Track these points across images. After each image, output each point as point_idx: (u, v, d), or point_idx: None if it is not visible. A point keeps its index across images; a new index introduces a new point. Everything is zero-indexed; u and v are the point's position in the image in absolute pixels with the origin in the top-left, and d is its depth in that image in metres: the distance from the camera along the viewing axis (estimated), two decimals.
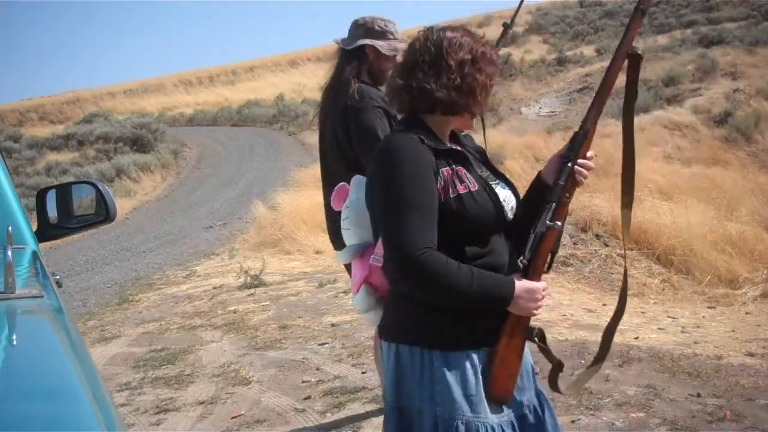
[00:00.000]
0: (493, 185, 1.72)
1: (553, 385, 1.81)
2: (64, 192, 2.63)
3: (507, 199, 1.72)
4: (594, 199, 7.33)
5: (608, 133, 11.92)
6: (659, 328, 4.89)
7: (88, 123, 25.07)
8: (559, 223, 1.68)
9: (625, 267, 2.00)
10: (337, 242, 2.76)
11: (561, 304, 5.47)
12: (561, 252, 6.43)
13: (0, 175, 2.28)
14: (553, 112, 19.34)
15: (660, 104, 15.47)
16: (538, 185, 1.80)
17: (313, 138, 20.33)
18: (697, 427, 3.02)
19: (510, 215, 1.71)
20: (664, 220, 6.80)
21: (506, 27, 3.32)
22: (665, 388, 3.46)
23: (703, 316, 5.37)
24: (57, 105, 39.62)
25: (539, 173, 1.83)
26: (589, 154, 1.75)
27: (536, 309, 1.65)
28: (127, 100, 39.52)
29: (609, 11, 35.30)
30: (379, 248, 1.63)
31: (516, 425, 1.69)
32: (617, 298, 1.86)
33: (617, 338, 4.41)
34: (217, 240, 10.24)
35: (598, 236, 6.70)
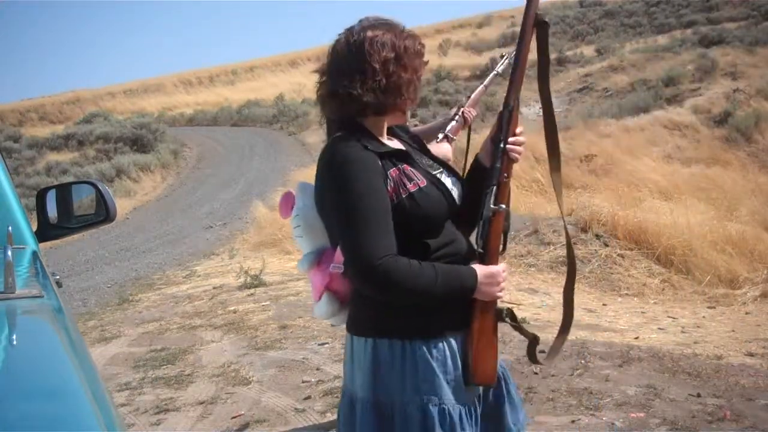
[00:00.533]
0: (438, 175, 1.74)
1: (532, 358, 1.86)
2: (64, 192, 2.63)
3: (453, 186, 1.75)
4: (594, 199, 7.33)
5: (608, 133, 11.93)
6: (659, 328, 4.89)
7: (88, 123, 25.07)
8: (504, 205, 1.71)
9: (567, 237, 2.00)
10: None
11: (561, 304, 5.46)
12: (561, 252, 6.44)
13: (0, 175, 2.28)
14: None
15: (660, 104, 15.46)
16: (477, 168, 1.81)
17: (313, 138, 20.34)
18: (697, 427, 3.02)
19: (458, 201, 1.74)
20: (664, 220, 6.80)
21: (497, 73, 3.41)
22: (665, 388, 3.46)
23: (703, 316, 5.38)
24: (57, 105, 39.60)
25: (476, 156, 1.85)
26: (518, 130, 1.76)
27: (499, 292, 1.68)
28: (127, 100, 39.51)
29: (609, 11, 35.33)
30: (339, 256, 1.62)
31: (478, 404, 1.72)
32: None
33: (617, 338, 4.44)
34: (217, 240, 10.24)
35: (598, 236, 6.70)
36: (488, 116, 18.54)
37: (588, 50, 26.27)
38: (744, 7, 27.37)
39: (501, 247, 1.72)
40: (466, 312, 1.67)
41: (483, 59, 27.50)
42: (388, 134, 1.76)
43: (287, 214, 1.81)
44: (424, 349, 1.62)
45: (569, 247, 1.97)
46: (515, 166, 1.81)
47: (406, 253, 1.58)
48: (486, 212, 1.69)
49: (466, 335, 1.67)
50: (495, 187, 1.70)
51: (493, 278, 1.66)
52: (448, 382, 1.63)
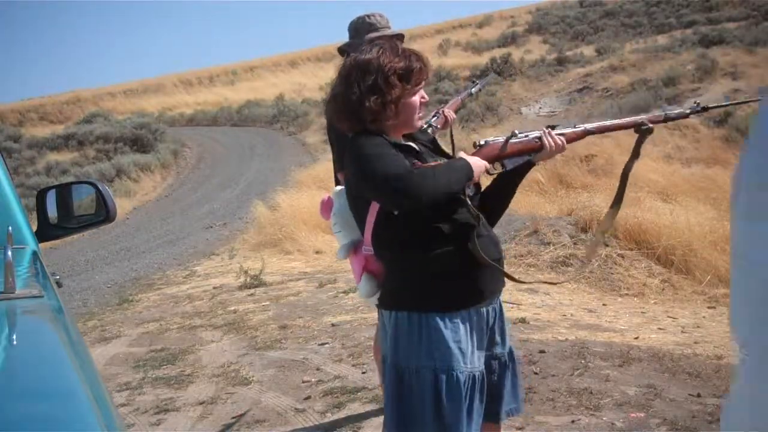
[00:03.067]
0: None
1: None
2: (64, 192, 2.63)
3: None
4: (594, 199, 7.33)
5: (608, 132, 11.90)
6: (659, 328, 4.89)
7: (88, 123, 25.05)
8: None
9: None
10: None
11: (561, 304, 5.47)
12: (561, 252, 6.44)
13: (0, 175, 2.28)
14: (553, 112, 19.34)
15: (660, 104, 15.46)
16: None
17: (313, 138, 20.34)
18: (697, 427, 3.02)
19: (469, 191, 1.94)
20: (664, 220, 6.79)
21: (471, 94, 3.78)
22: (665, 388, 3.46)
23: (703, 316, 5.37)
24: (57, 105, 39.58)
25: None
26: None
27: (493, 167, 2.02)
28: (127, 100, 39.49)
29: (609, 11, 35.31)
30: (367, 239, 1.92)
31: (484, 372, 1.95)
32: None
33: (617, 338, 4.44)
34: (217, 240, 10.23)
35: None
36: (488, 116, 18.55)
37: (588, 50, 26.25)
38: (744, 7, 27.35)
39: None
40: (476, 291, 1.91)
41: (483, 59, 27.48)
42: (407, 137, 2.01)
43: (327, 215, 2.11)
44: (438, 320, 1.86)
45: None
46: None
47: (417, 235, 1.86)
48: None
49: (481, 310, 1.93)
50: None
51: (476, 160, 1.95)
52: (460, 351, 1.86)
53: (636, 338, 4.50)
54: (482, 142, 2.03)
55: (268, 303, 6.06)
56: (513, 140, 2.02)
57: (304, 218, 8.65)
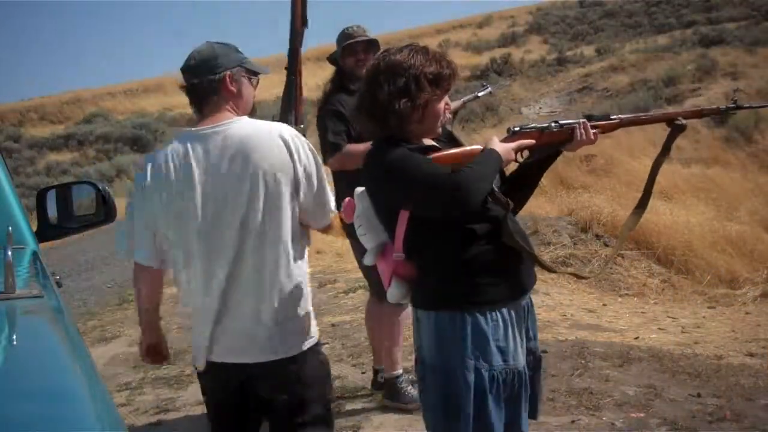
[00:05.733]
0: None
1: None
2: (64, 192, 2.63)
3: None
4: (594, 199, 7.33)
5: (609, 133, 11.90)
6: (659, 328, 4.89)
7: (88, 123, 25.09)
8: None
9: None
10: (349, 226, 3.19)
11: (561, 304, 5.47)
12: (561, 252, 6.44)
13: (0, 175, 2.28)
14: (553, 112, 19.34)
15: (660, 104, 15.45)
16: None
17: (313, 138, 20.28)
18: (697, 427, 3.02)
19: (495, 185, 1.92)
20: (664, 220, 6.79)
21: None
22: (665, 388, 3.46)
23: (703, 316, 5.37)
24: (57, 105, 39.55)
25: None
26: None
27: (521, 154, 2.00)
28: (127, 100, 39.48)
29: (609, 11, 35.30)
30: (398, 245, 1.90)
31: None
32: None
33: (617, 338, 4.44)
34: None
35: (598, 236, 6.70)
36: (488, 115, 18.55)
37: (588, 50, 26.26)
38: (744, 7, 27.35)
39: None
40: (510, 288, 1.90)
41: (483, 59, 27.49)
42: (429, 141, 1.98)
43: (351, 218, 2.06)
44: (479, 318, 1.85)
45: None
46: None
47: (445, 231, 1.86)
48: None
49: (518, 306, 1.92)
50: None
51: (505, 147, 1.93)
52: (499, 349, 1.86)
53: (636, 338, 4.50)
54: (516, 129, 2.00)
55: None
56: (547, 131, 2.00)
57: None
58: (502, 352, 1.86)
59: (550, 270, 2.24)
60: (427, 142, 1.95)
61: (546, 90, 21.88)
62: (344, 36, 3.35)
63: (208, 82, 2.05)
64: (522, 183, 2.06)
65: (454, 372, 1.85)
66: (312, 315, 2.18)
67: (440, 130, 1.96)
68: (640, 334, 4.63)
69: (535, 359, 2.01)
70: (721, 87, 15.89)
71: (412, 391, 3.31)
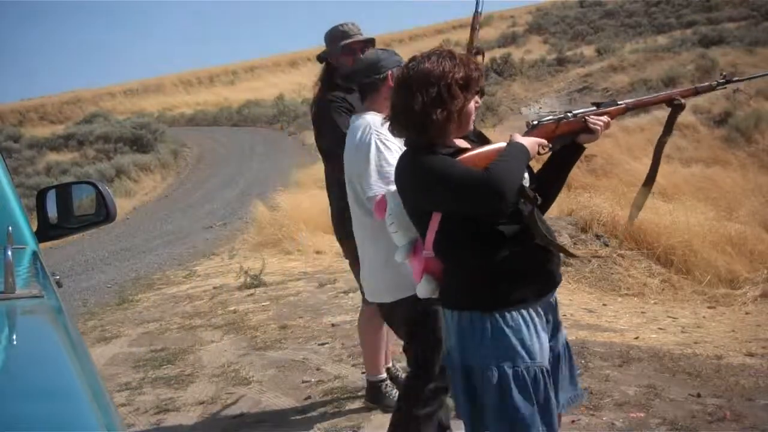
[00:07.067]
0: None
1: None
2: (64, 192, 2.63)
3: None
4: (594, 199, 7.33)
5: (608, 133, 11.86)
6: (659, 328, 4.89)
7: (88, 123, 25.08)
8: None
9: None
10: (341, 230, 3.26)
11: (561, 304, 5.44)
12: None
13: (0, 175, 2.28)
14: (552, 112, 19.28)
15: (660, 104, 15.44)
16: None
17: (313, 138, 20.31)
18: (697, 427, 3.02)
19: (527, 183, 1.95)
20: (664, 220, 6.80)
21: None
22: (665, 388, 3.46)
23: (703, 316, 5.38)
24: (57, 105, 39.61)
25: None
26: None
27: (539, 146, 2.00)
28: (127, 100, 39.52)
29: (609, 11, 35.33)
30: (429, 244, 1.95)
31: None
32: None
33: (617, 338, 4.44)
34: (217, 240, 10.23)
35: (598, 236, 6.70)
36: (488, 115, 18.54)
37: (588, 50, 26.26)
38: (744, 7, 27.37)
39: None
40: (532, 290, 1.94)
41: (483, 59, 27.43)
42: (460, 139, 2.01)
43: (382, 215, 2.16)
44: (500, 319, 1.88)
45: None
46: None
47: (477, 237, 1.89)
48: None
49: (546, 303, 1.98)
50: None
51: (533, 141, 1.96)
52: (523, 347, 1.88)
53: (636, 338, 4.50)
54: (535, 122, 2.04)
55: (268, 303, 6.05)
56: (564, 121, 2.05)
57: (304, 218, 8.64)
58: (528, 350, 1.89)
59: (574, 256, 2.34)
60: (459, 142, 1.98)
61: (546, 90, 21.87)
62: (340, 34, 3.33)
63: (374, 80, 2.59)
64: (549, 180, 2.10)
65: (477, 371, 1.89)
66: None
67: (472, 127, 2.01)
68: (640, 334, 4.63)
69: (554, 356, 2.04)
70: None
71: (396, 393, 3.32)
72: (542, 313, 1.97)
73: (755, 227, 7.01)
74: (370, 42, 3.34)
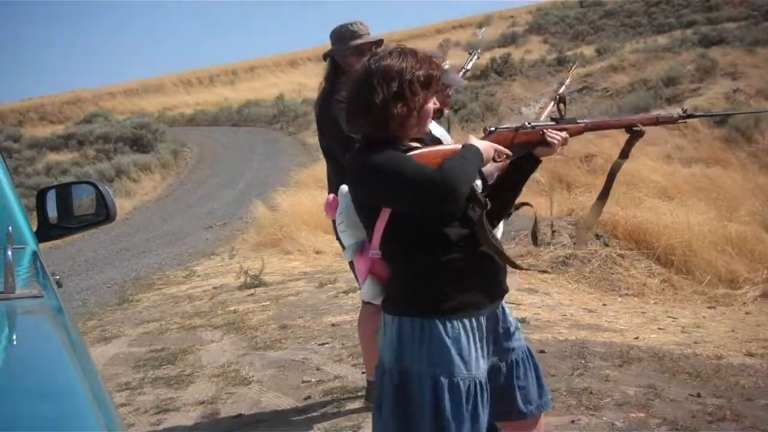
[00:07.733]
0: None
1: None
2: (64, 192, 2.63)
3: None
4: (593, 199, 7.32)
5: (608, 133, 11.90)
6: (659, 328, 4.89)
7: (88, 123, 25.07)
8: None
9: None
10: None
11: (561, 304, 5.47)
12: (561, 252, 6.44)
13: (0, 175, 2.28)
14: (552, 111, 19.30)
15: (660, 104, 15.45)
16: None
17: (313, 138, 20.31)
18: (697, 427, 3.02)
19: (479, 189, 1.96)
20: (664, 220, 6.80)
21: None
22: (665, 388, 3.46)
23: (703, 316, 5.38)
24: (57, 105, 39.58)
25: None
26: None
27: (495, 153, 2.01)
28: (127, 100, 39.49)
29: (609, 11, 35.29)
30: (375, 243, 1.92)
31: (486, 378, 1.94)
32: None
33: (617, 338, 4.44)
34: (217, 240, 10.23)
35: (598, 236, 6.70)
36: (488, 116, 18.55)
37: (588, 50, 26.24)
38: (744, 7, 27.33)
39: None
40: (475, 300, 1.91)
41: (483, 59, 27.46)
42: (414, 141, 1.99)
43: (333, 214, 2.12)
44: (440, 327, 1.86)
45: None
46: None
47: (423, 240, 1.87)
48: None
49: (488, 314, 1.93)
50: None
51: (485, 145, 1.96)
52: (461, 357, 1.86)
53: (636, 338, 4.50)
54: (492, 128, 2.05)
55: (268, 303, 6.06)
56: (522, 130, 2.05)
57: (304, 218, 8.65)
58: (464, 360, 1.86)
59: (519, 268, 2.21)
60: (414, 144, 1.97)
61: (546, 90, 21.83)
62: (349, 33, 3.28)
63: None
64: (504, 188, 2.09)
65: (413, 377, 1.86)
66: None
67: (428, 128, 2.01)
68: (640, 334, 4.63)
69: (508, 365, 1.99)
70: (721, 87, 15.88)
71: None
72: (483, 323, 1.93)
73: (755, 227, 7.01)
74: (379, 43, 3.29)
